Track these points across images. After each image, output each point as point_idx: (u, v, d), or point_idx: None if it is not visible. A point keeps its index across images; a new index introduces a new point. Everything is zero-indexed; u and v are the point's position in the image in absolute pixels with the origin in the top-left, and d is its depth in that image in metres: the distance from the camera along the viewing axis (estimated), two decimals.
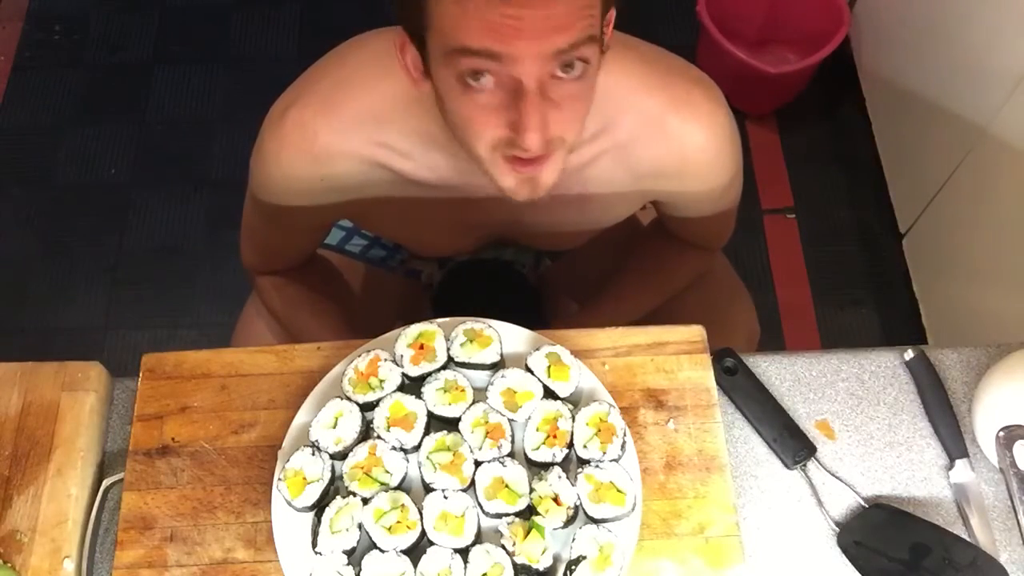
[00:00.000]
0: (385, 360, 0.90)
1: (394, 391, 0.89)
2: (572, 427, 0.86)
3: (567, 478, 0.84)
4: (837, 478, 0.93)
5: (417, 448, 0.86)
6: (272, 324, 1.20)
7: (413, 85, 0.83)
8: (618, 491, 0.83)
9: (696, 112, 0.92)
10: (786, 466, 0.94)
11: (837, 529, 0.90)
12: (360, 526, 0.82)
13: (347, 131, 0.90)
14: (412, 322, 0.93)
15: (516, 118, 0.75)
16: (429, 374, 0.89)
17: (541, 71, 0.73)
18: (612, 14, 0.80)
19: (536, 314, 1.35)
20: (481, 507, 0.84)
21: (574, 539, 0.82)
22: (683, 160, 0.95)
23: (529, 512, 0.83)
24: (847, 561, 0.88)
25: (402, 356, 0.90)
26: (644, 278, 1.18)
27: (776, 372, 0.99)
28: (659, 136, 0.92)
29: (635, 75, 0.91)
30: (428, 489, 0.85)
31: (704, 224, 1.08)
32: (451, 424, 0.88)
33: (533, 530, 0.81)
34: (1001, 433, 0.88)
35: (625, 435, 0.86)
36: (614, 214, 1.06)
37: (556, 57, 0.73)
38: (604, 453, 0.85)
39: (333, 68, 0.94)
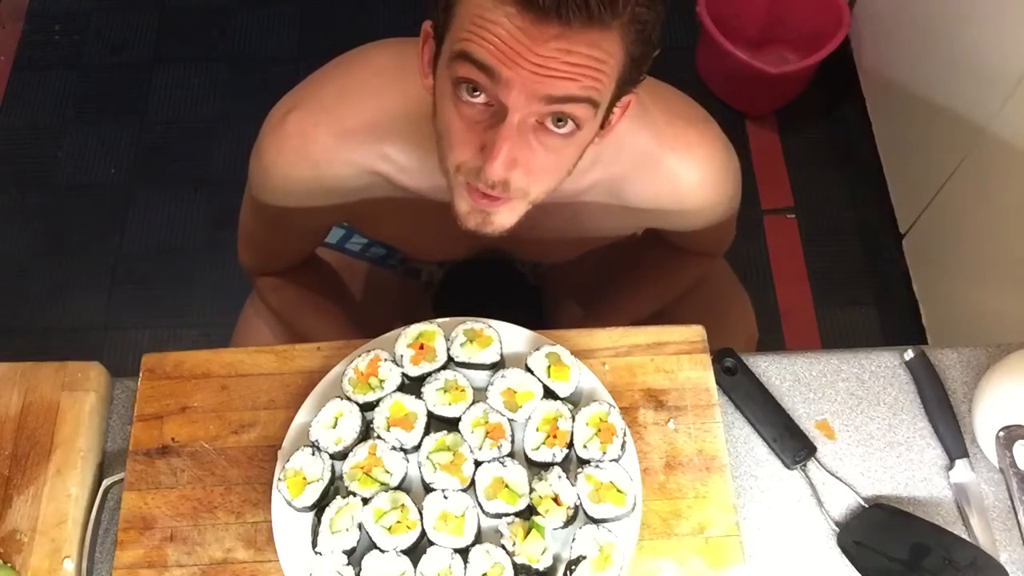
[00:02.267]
0: (385, 360, 0.90)
1: (394, 391, 0.89)
2: (572, 427, 0.86)
3: (567, 478, 0.84)
4: (837, 478, 0.93)
5: (417, 448, 0.86)
6: (272, 324, 1.20)
7: (421, 80, 0.83)
8: (618, 491, 0.83)
9: (692, 151, 0.93)
10: (786, 466, 0.94)
11: (837, 529, 0.90)
12: (360, 526, 0.82)
13: (347, 141, 0.90)
14: (412, 322, 0.93)
15: (489, 143, 0.74)
16: (429, 374, 0.89)
17: (529, 108, 0.73)
18: (628, 100, 0.80)
19: (536, 314, 1.35)
20: (481, 507, 0.84)
21: (574, 539, 0.82)
22: (678, 198, 0.95)
23: (529, 512, 0.83)
24: (847, 561, 0.88)
25: (402, 356, 0.90)
26: (645, 284, 1.19)
27: (776, 372, 0.99)
28: (654, 174, 0.93)
29: (633, 110, 0.90)
30: (428, 489, 0.85)
31: (704, 236, 1.08)
32: (451, 424, 0.88)
33: (533, 530, 0.81)
34: (1001, 433, 0.88)
35: (625, 435, 0.86)
36: (609, 237, 1.07)
37: (548, 102, 0.72)
38: (604, 453, 0.85)
39: (338, 76, 0.93)
